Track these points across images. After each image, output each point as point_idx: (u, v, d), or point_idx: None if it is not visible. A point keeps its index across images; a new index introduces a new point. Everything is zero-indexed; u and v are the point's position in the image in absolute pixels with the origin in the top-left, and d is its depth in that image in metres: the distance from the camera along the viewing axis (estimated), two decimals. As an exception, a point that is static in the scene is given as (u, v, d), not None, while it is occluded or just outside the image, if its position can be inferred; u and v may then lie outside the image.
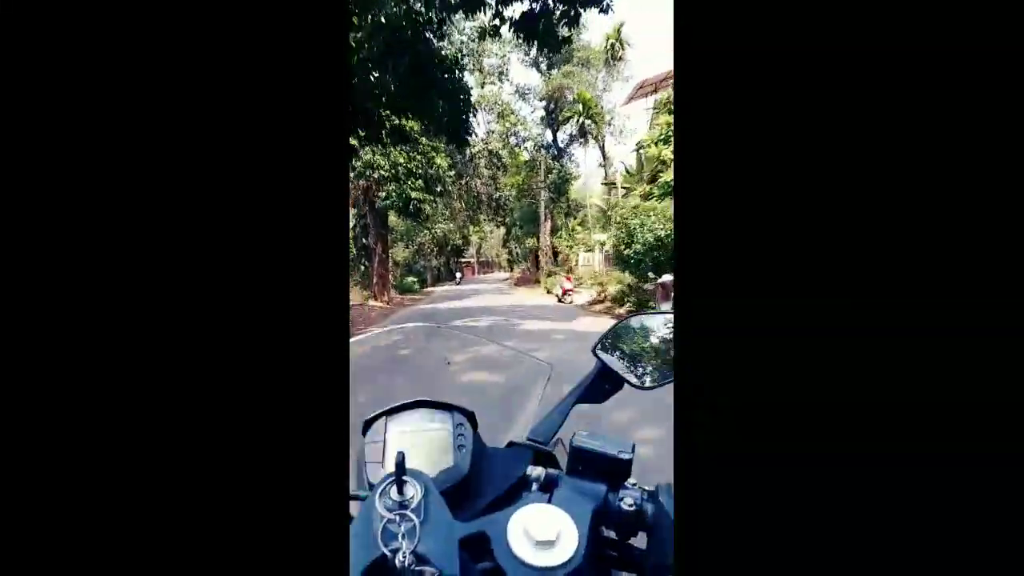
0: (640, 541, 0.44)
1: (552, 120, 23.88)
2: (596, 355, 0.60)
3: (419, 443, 0.50)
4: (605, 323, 4.53)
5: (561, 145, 24.21)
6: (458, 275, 31.66)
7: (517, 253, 30.16)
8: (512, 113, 24.29)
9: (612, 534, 0.44)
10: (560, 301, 13.35)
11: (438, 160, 15.41)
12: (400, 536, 0.35)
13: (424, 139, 13.28)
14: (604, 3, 6.11)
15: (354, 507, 0.43)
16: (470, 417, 0.54)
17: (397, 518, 0.36)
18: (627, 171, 17.26)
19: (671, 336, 0.64)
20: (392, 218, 18.80)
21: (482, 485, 0.48)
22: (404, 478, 0.38)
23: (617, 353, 0.61)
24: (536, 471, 0.47)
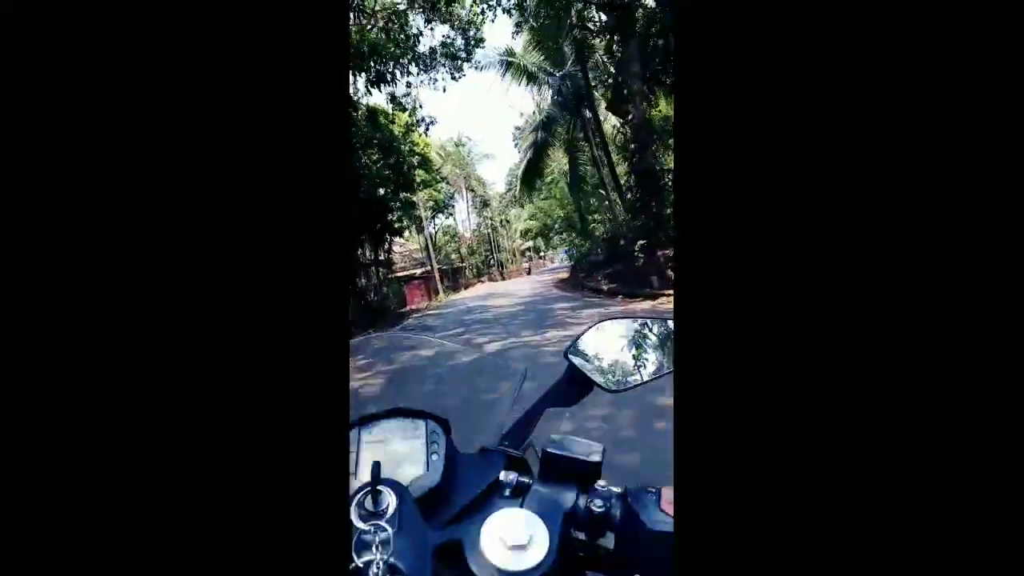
0: (609, 541, 0.45)
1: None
2: (567, 359, 0.60)
3: (392, 452, 0.49)
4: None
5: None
6: None
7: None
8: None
9: (582, 535, 0.44)
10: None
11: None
12: (375, 547, 0.34)
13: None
14: None
15: None
16: (443, 424, 0.54)
17: (371, 528, 0.36)
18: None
19: (638, 341, 0.67)
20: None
21: (455, 492, 0.48)
22: (379, 488, 0.38)
23: (587, 357, 0.61)
24: (508, 476, 0.47)
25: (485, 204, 48.31)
